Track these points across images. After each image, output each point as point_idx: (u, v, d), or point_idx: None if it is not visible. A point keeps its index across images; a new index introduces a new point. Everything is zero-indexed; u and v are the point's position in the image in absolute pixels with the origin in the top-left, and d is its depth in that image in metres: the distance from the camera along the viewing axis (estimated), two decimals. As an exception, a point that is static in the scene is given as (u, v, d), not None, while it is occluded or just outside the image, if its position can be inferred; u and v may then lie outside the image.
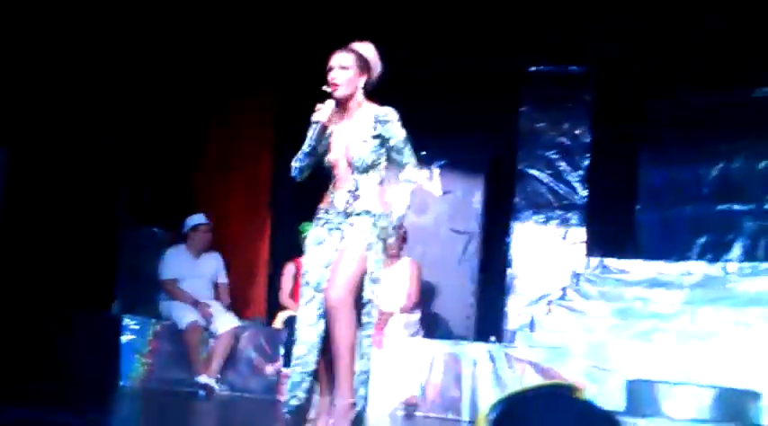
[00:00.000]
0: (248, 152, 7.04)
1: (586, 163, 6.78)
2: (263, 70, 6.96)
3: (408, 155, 3.83)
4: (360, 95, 3.84)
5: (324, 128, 3.79)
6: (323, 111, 3.78)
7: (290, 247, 6.07)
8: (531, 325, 6.00)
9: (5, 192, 5.88)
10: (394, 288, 6.15)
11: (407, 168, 3.85)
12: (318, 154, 3.84)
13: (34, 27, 5.90)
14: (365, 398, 3.73)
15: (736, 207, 6.61)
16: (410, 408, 5.48)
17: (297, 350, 3.73)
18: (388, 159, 3.85)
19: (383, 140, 3.79)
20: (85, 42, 6.21)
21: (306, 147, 3.81)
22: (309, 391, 3.75)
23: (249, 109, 7.05)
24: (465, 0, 6.25)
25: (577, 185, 6.79)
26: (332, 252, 3.77)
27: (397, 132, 3.79)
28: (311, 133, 3.80)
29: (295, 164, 3.85)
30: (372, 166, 3.79)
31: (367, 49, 3.86)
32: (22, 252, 5.95)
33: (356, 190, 3.77)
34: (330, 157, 3.82)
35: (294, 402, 3.71)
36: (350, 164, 3.78)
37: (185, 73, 6.84)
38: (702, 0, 5.93)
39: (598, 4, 6.16)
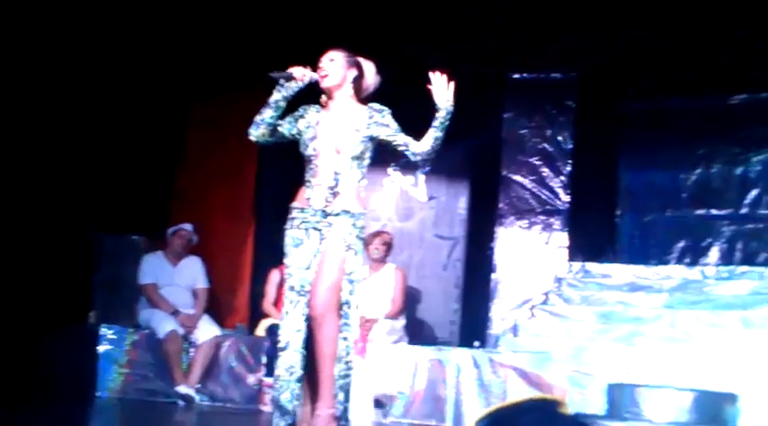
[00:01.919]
0: (231, 156, 7.02)
1: (569, 169, 6.82)
2: (249, 71, 6.90)
3: (405, 135, 3.80)
4: (349, 89, 3.83)
5: (290, 78, 3.73)
6: (299, 68, 3.76)
7: (274, 254, 6.05)
8: (515, 330, 6.03)
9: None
10: (378, 294, 6.16)
11: (412, 142, 3.78)
12: (277, 109, 3.75)
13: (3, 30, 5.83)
14: (345, 404, 3.70)
15: (713, 211, 6.69)
16: (380, 404, 5.47)
17: (285, 357, 3.66)
18: (388, 147, 3.81)
19: (377, 130, 3.75)
20: (58, 46, 6.13)
21: (271, 99, 3.75)
22: (299, 398, 3.71)
23: (234, 110, 7.01)
24: (451, 6, 6.28)
25: (560, 191, 6.82)
26: (312, 254, 3.73)
27: (392, 121, 3.79)
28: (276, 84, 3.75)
29: (256, 118, 3.78)
30: (358, 158, 3.75)
31: (362, 59, 3.89)
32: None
33: (336, 186, 3.73)
34: (316, 144, 3.76)
35: (291, 409, 3.66)
36: (337, 152, 3.75)
37: (166, 75, 6.79)
38: (681, 7, 5.98)
39: (580, 12, 6.20)
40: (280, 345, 3.71)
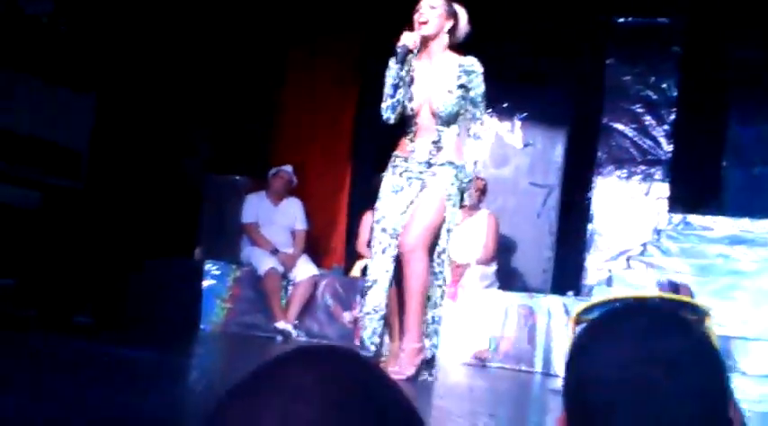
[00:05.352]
0: (331, 100, 7.09)
1: (672, 117, 6.64)
2: (347, 14, 6.91)
3: (481, 111, 3.86)
4: (444, 39, 3.85)
5: (408, 52, 3.77)
6: (409, 36, 3.77)
7: (370, 196, 6.14)
8: (609, 281, 5.97)
9: (93, 138, 5.97)
10: (471, 239, 6.19)
11: (477, 124, 3.86)
12: (405, 85, 3.81)
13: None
14: (436, 346, 3.81)
15: (823, 165, 6.43)
16: (480, 361, 5.56)
17: (372, 296, 3.77)
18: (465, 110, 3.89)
19: (466, 90, 3.81)
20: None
21: (392, 80, 3.79)
22: (383, 335, 3.86)
23: (333, 54, 7.05)
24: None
25: (662, 140, 6.66)
26: (409, 201, 3.81)
27: (479, 84, 3.82)
28: (394, 62, 3.78)
29: (385, 103, 3.83)
30: (455, 117, 3.83)
31: (459, 8, 3.89)
32: (109, 199, 6.10)
33: (439, 141, 3.81)
34: (413, 105, 3.83)
35: (372, 346, 3.79)
36: (433, 115, 3.82)
37: (266, 17, 6.86)
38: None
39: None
40: (367, 284, 3.82)
